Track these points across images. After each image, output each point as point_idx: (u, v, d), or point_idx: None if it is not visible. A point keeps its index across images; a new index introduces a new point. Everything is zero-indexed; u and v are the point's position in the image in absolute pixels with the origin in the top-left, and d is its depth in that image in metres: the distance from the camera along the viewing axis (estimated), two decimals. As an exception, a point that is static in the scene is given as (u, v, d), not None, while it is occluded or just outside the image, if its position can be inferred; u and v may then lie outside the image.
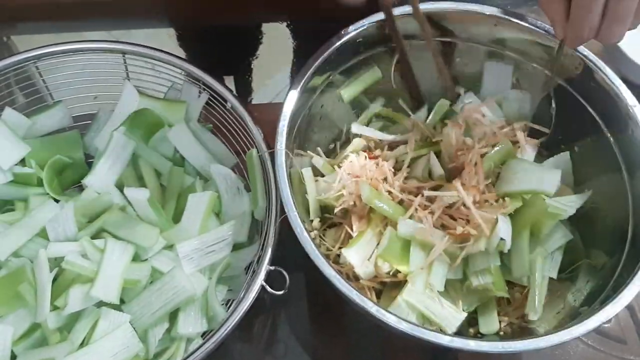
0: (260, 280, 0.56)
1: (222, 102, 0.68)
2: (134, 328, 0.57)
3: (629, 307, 0.74)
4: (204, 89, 0.68)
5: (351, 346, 0.70)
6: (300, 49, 1.13)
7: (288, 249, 0.57)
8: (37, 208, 0.62)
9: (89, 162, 0.71)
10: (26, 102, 0.70)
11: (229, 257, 0.62)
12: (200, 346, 0.53)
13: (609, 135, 0.64)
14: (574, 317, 0.58)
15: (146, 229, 0.60)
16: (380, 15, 0.65)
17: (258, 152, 0.63)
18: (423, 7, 0.66)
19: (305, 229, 0.55)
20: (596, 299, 0.59)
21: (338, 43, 0.64)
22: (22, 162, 0.67)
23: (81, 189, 0.68)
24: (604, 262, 0.63)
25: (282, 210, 0.58)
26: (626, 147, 0.63)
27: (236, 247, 0.63)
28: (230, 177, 0.65)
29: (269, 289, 0.56)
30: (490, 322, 0.63)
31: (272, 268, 0.57)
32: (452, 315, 0.60)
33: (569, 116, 0.69)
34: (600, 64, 0.63)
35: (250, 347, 0.69)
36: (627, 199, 0.63)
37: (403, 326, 0.51)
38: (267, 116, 0.64)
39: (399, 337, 0.52)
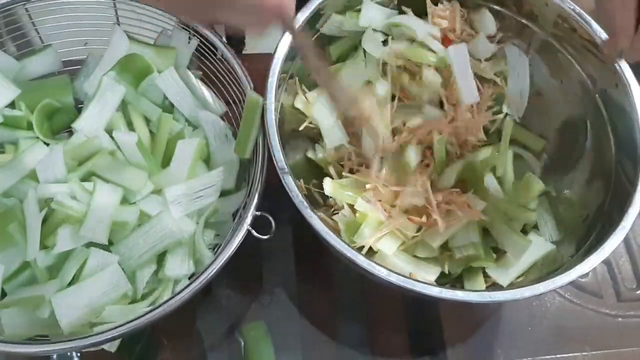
0: (246, 224, 0.57)
1: (213, 50, 0.68)
2: (122, 269, 0.59)
3: (606, 262, 0.76)
4: (194, 35, 0.68)
5: (335, 296, 0.72)
6: None
7: (276, 199, 0.59)
8: (27, 150, 0.63)
9: (78, 108, 0.71)
10: (15, 46, 0.69)
11: (217, 203, 0.63)
12: (187, 286, 0.54)
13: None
14: (558, 266, 0.60)
15: (135, 173, 0.61)
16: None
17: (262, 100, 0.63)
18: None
19: (296, 184, 0.56)
20: (580, 249, 0.61)
21: None
22: (12, 105, 0.67)
23: (71, 134, 0.68)
24: (587, 213, 0.65)
25: (269, 159, 0.59)
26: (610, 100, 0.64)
27: (224, 193, 0.64)
28: (219, 124, 0.66)
29: (254, 233, 0.57)
30: (477, 284, 0.65)
31: (258, 213, 0.58)
32: (427, 271, 0.62)
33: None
34: (588, 18, 0.63)
35: (237, 294, 0.71)
36: (610, 149, 0.64)
37: (393, 278, 0.53)
38: (259, 66, 0.64)
39: (384, 288, 0.54)
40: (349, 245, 0.54)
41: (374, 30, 0.69)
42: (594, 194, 0.65)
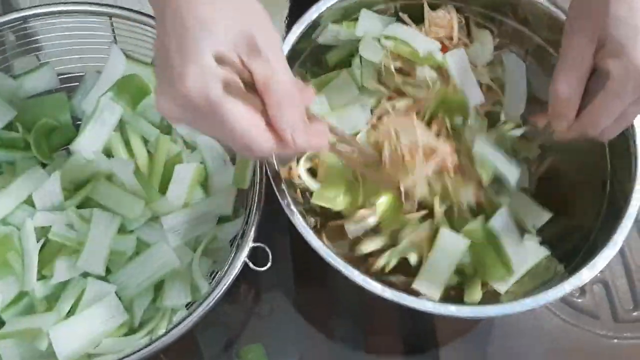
0: (243, 256, 0.57)
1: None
2: (120, 298, 0.59)
3: (604, 283, 0.76)
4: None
5: (334, 305, 0.72)
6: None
7: (273, 214, 0.59)
8: (24, 175, 0.62)
9: (76, 125, 0.71)
10: (12, 64, 0.69)
11: (214, 230, 0.62)
12: (184, 319, 0.54)
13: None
14: (551, 276, 0.61)
15: (132, 201, 0.61)
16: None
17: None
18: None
19: (294, 202, 0.56)
20: (574, 259, 0.61)
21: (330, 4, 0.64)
22: (9, 125, 0.67)
23: (69, 150, 0.68)
24: (581, 223, 0.64)
25: (267, 184, 0.59)
26: None
27: (221, 220, 0.64)
28: (217, 149, 0.65)
29: (252, 265, 0.57)
30: (474, 293, 0.65)
31: (255, 245, 0.58)
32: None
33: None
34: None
35: (236, 307, 0.71)
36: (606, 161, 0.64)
37: (387, 294, 0.54)
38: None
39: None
40: (345, 262, 0.54)
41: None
42: (588, 205, 0.64)
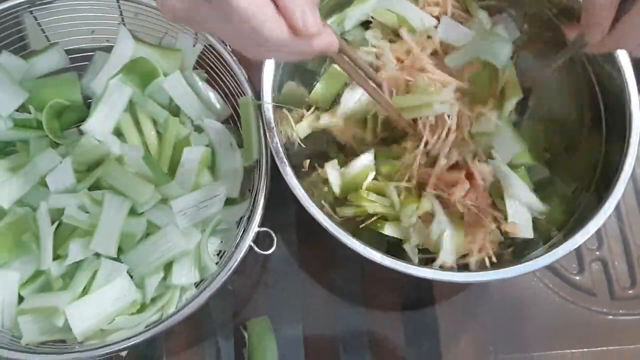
0: (248, 241, 0.59)
1: (216, 50, 0.68)
2: (131, 276, 0.62)
3: (603, 261, 0.77)
4: (199, 40, 0.68)
5: (336, 269, 0.74)
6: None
7: (278, 196, 0.61)
8: (38, 156, 0.64)
9: (87, 103, 0.72)
10: (21, 45, 0.70)
11: (221, 213, 0.64)
12: (191, 301, 0.58)
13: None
14: (546, 240, 0.63)
15: (142, 185, 0.62)
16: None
17: (253, 99, 0.64)
18: None
19: (295, 174, 0.58)
20: (567, 223, 0.63)
21: None
22: (22, 106, 0.68)
23: (81, 130, 0.70)
24: (575, 187, 0.67)
25: (274, 165, 0.60)
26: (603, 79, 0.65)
27: (228, 202, 0.66)
28: (224, 132, 0.67)
29: (257, 249, 0.60)
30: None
31: (261, 229, 0.60)
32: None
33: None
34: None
35: (243, 278, 0.74)
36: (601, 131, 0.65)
37: (387, 262, 0.57)
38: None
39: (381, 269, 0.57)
40: (345, 232, 0.57)
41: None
42: (582, 170, 0.66)
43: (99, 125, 0.67)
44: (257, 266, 0.74)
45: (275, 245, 0.60)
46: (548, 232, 0.65)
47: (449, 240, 0.64)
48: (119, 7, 0.68)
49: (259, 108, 0.62)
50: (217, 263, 0.63)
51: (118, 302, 0.60)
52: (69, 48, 0.72)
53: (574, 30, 0.56)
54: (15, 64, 0.68)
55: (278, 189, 0.61)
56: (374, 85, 0.61)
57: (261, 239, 0.61)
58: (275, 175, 0.61)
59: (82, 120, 0.69)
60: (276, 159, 0.59)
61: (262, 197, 0.61)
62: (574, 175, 0.67)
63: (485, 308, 0.75)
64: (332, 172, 0.66)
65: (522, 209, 0.65)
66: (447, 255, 0.63)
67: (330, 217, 0.58)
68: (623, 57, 0.61)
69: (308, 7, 0.39)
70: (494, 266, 0.63)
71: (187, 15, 0.40)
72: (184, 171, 0.65)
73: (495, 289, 0.76)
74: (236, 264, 0.59)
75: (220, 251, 0.66)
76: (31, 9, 0.67)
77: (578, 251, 0.78)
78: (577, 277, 0.77)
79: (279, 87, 0.64)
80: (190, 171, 0.64)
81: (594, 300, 0.76)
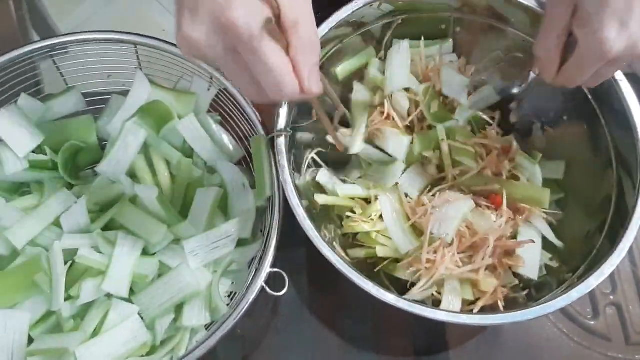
0: (260, 281, 0.59)
1: (231, 94, 0.69)
2: (142, 318, 0.61)
3: (616, 306, 0.76)
4: (213, 83, 0.70)
5: (347, 311, 0.73)
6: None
7: (291, 237, 0.61)
8: (52, 197, 0.65)
9: (102, 145, 0.73)
10: (40, 88, 0.71)
11: (233, 253, 0.65)
12: (202, 342, 0.57)
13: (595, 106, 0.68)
14: (560, 283, 0.63)
15: (155, 225, 0.63)
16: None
17: (265, 137, 0.65)
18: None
19: (307, 216, 0.59)
20: (580, 266, 0.63)
21: (335, 22, 0.66)
22: (38, 147, 0.69)
23: (95, 171, 0.71)
24: (589, 229, 0.66)
25: (286, 206, 0.61)
26: (612, 122, 0.66)
27: (240, 243, 0.66)
28: (237, 173, 0.67)
29: (268, 290, 0.59)
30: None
31: (273, 270, 0.60)
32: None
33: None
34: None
35: (253, 321, 0.73)
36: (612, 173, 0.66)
37: (401, 304, 0.56)
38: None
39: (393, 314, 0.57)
40: (356, 271, 0.57)
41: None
42: (595, 213, 0.66)
43: (114, 166, 0.68)
44: (267, 309, 0.74)
45: (287, 287, 0.60)
46: (562, 275, 0.65)
47: (454, 291, 0.64)
48: (137, 52, 0.70)
49: (272, 148, 0.62)
50: (228, 305, 0.63)
51: (128, 344, 0.59)
52: (85, 92, 0.73)
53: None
54: (33, 106, 0.69)
55: (289, 231, 0.61)
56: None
57: (273, 280, 0.60)
58: (287, 217, 0.61)
59: (97, 161, 0.70)
60: (290, 204, 0.59)
61: (275, 238, 0.61)
62: (587, 216, 0.67)
63: (499, 354, 0.73)
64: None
65: (532, 249, 0.65)
66: (448, 302, 0.64)
67: (342, 258, 0.58)
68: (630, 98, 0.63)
69: (313, 69, 0.45)
70: (508, 309, 0.63)
71: (209, 52, 0.43)
72: (196, 212, 0.65)
73: (509, 334, 0.75)
74: (248, 305, 0.58)
75: (231, 293, 0.66)
76: (51, 53, 0.68)
77: (592, 295, 0.77)
78: (592, 322, 0.76)
79: (293, 122, 0.66)
80: (202, 212, 0.65)
81: (610, 345, 0.74)
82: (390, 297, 0.56)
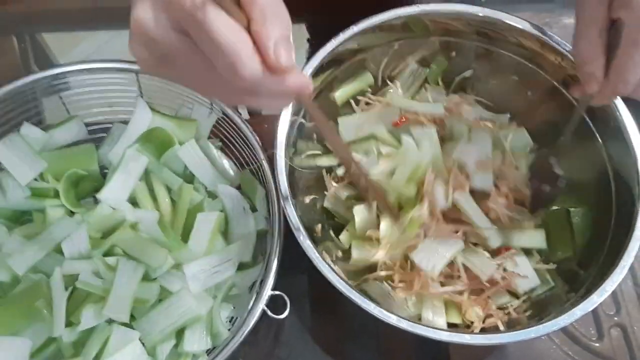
0: (262, 304, 0.59)
1: (231, 119, 0.70)
2: (143, 343, 0.61)
3: (621, 327, 0.76)
4: (214, 109, 0.71)
5: (350, 333, 0.73)
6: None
7: (291, 260, 0.61)
8: (54, 224, 0.65)
9: (104, 173, 0.74)
10: (42, 118, 0.72)
11: (234, 277, 0.64)
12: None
13: (593, 129, 0.67)
14: (563, 303, 0.61)
15: (155, 250, 0.63)
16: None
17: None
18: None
19: (308, 236, 0.58)
20: (582, 286, 0.62)
21: (331, 48, 0.66)
22: (40, 175, 0.70)
23: (97, 199, 0.71)
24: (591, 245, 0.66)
25: (286, 228, 0.61)
26: (610, 143, 0.66)
27: (241, 267, 0.66)
28: (237, 197, 0.68)
29: (270, 313, 0.59)
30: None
31: (274, 293, 0.60)
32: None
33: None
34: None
35: (253, 348, 0.72)
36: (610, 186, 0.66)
37: (403, 325, 0.56)
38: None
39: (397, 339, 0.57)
40: (357, 291, 0.57)
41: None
42: (595, 231, 0.67)
43: (115, 193, 0.68)
44: (269, 336, 0.73)
45: (288, 310, 0.60)
46: (564, 296, 0.65)
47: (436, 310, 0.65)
48: (138, 81, 0.71)
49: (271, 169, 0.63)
50: (229, 329, 0.63)
51: (129, 370, 0.59)
52: (87, 121, 0.74)
53: (577, 90, 0.59)
54: (36, 134, 0.70)
55: (289, 258, 0.62)
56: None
57: (273, 305, 0.60)
58: (287, 243, 0.62)
59: (98, 189, 0.70)
60: (291, 226, 0.59)
61: (276, 260, 0.61)
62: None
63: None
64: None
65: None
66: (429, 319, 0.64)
67: (342, 280, 0.58)
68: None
69: (282, 41, 0.38)
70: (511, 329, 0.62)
71: (155, 37, 0.39)
72: (197, 236, 0.65)
73: (514, 358, 0.74)
74: (249, 328, 0.58)
75: (232, 318, 0.65)
76: (52, 83, 0.69)
77: (596, 317, 0.76)
78: (597, 344, 0.75)
79: (293, 144, 0.66)
80: (203, 236, 0.65)
81: (616, 368, 0.74)
82: (392, 318, 0.56)
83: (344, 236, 0.69)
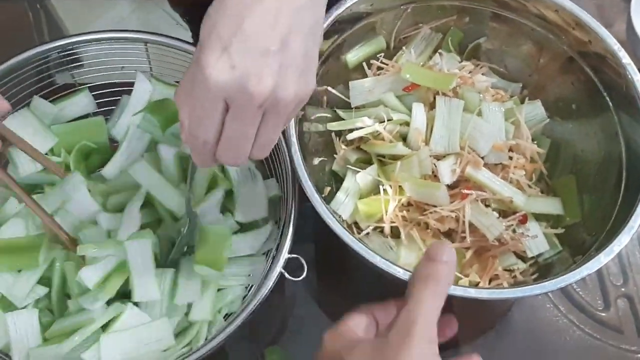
0: (279, 267, 0.59)
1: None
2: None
3: (629, 297, 0.76)
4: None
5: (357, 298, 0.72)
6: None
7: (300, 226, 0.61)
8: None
9: (114, 146, 0.74)
10: (53, 89, 0.72)
11: (244, 240, 0.66)
12: (221, 331, 0.57)
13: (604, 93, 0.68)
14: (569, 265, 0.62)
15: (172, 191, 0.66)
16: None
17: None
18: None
19: (317, 192, 0.59)
20: (590, 247, 0.62)
21: (342, 8, 0.66)
22: (51, 149, 0.70)
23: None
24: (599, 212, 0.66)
25: (300, 192, 0.61)
26: (621, 104, 0.66)
27: (250, 226, 0.67)
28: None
29: (287, 275, 0.59)
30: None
31: (291, 256, 0.60)
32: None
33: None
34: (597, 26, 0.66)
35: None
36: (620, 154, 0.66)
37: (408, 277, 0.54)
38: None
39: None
40: (367, 247, 0.57)
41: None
42: (605, 194, 0.66)
43: (119, 170, 0.70)
44: (285, 299, 0.73)
45: (305, 272, 0.60)
46: (571, 259, 0.65)
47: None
48: (147, 51, 0.71)
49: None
50: (245, 296, 0.64)
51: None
52: (96, 93, 0.74)
53: None
54: (46, 108, 0.70)
55: (298, 225, 0.62)
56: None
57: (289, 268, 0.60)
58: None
59: (107, 161, 0.70)
60: (302, 184, 0.60)
61: (291, 224, 0.61)
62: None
63: (509, 346, 0.73)
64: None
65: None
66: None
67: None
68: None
69: None
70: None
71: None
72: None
73: (519, 327, 0.74)
74: (267, 290, 0.58)
75: (248, 285, 0.66)
76: (62, 54, 0.69)
77: (603, 287, 0.76)
78: (603, 314, 0.75)
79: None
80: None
81: (622, 337, 0.73)
82: (398, 271, 0.55)
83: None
